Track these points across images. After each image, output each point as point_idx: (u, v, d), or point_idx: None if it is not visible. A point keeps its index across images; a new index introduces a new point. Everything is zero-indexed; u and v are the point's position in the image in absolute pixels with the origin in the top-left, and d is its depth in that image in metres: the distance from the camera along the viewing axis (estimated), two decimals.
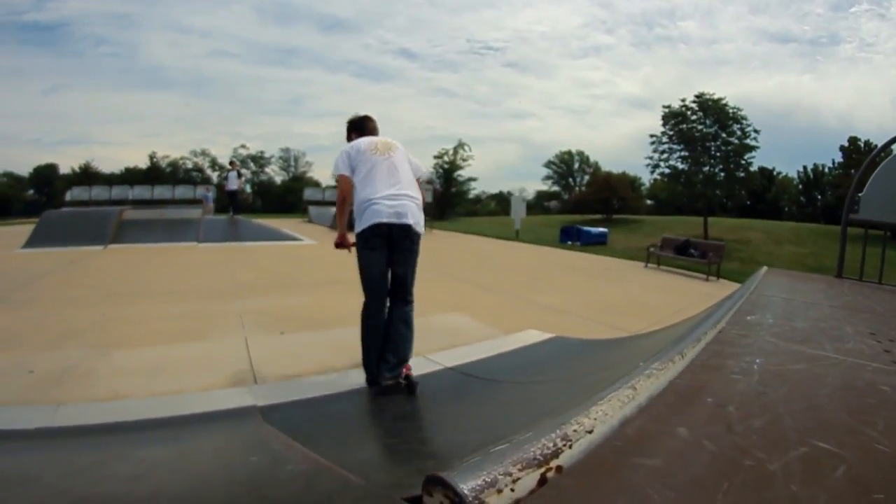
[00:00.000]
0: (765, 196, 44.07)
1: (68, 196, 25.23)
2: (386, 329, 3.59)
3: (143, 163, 47.21)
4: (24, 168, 49.15)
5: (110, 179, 38.31)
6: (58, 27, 69.47)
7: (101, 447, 2.28)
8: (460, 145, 40.85)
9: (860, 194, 5.13)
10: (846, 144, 40.27)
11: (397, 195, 3.42)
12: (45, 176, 46.80)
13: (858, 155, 36.37)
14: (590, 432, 0.98)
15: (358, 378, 3.70)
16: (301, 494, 0.99)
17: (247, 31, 79.48)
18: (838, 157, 41.48)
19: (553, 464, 0.89)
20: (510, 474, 0.84)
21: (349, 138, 3.90)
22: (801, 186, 47.11)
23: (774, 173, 46.56)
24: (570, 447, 0.93)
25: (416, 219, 3.49)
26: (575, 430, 0.96)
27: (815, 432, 1.14)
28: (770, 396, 1.39)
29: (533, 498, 0.83)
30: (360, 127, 3.94)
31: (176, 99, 72.51)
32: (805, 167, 46.87)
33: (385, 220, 3.35)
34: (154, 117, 73.15)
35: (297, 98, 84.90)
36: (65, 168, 47.02)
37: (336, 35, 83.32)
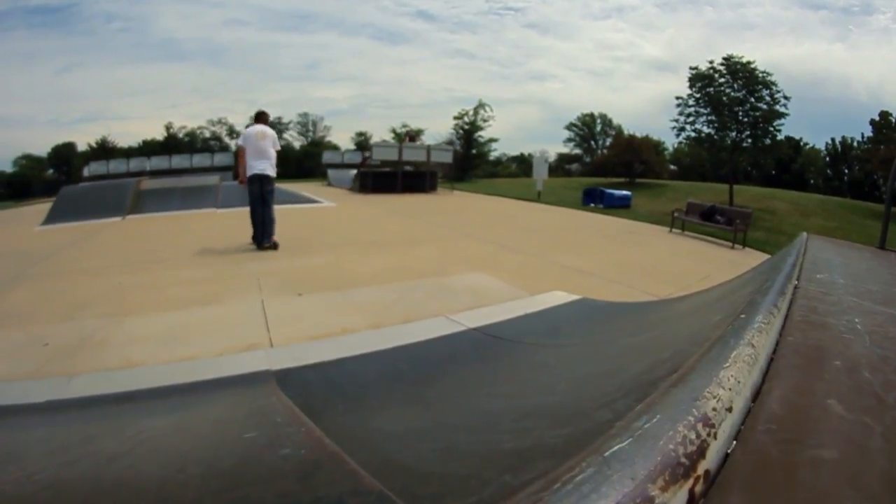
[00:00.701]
0: (790, 166, 42.57)
1: (86, 171, 25.53)
2: (262, 221, 7.31)
3: (160, 135, 47.09)
4: (42, 149, 49.24)
5: (128, 153, 38.33)
6: (67, 8, 69.21)
7: (100, 420, 2.11)
8: (480, 105, 39.95)
9: None
10: (877, 118, 38.12)
11: (261, 162, 7.31)
12: (64, 155, 47.05)
13: (889, 130, 34.98)
14: (729, 410, 0.62)
15: (377, 339, 3.52)
16: (291, 497, 0.71)
17: None
18: (868, 132, 39.46)
19: (700, 468, 0.52)
20: (651, 500, 0.46)
21: (254, 123, 7.71)
22: (828, 159, 45.48)
23: (801, 144, 44.76)
24: (715, 436, 0.57)
25: (269, 171, 7.40)
26: (714, 410, 0.59)
27: None
28: (895, 361, 1.09)
29: None
30: (257, 118, 7.70)
31: (191, 70, 72.39)
32: (833, 139, 45.09)
33: (256, 172, 7.30)
34: (170, 89, 73.33)
35: (314, 63, 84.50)
36: (82, 145, 47.18)
37: None
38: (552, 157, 50.24)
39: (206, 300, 4.81)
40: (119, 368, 3.29)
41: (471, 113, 39.99)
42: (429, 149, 19.93)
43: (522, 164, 48.75)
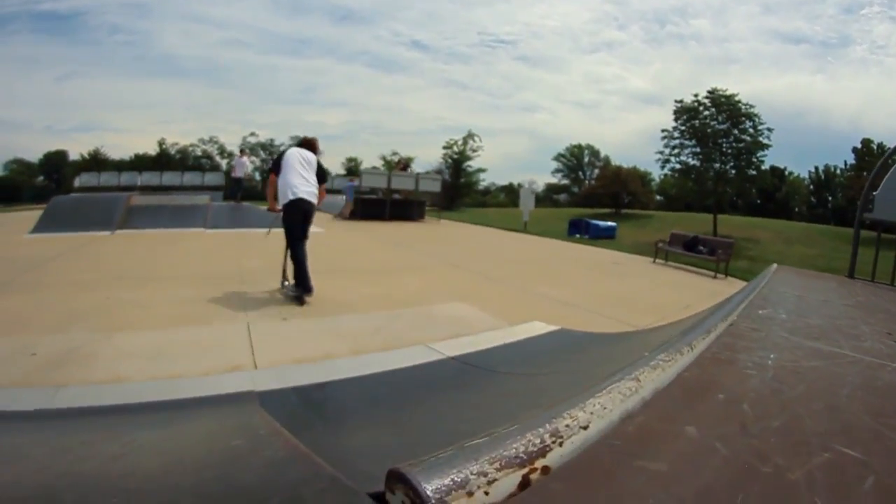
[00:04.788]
0: (775, 195, 43.61)
1: (77, 182, 25.53)
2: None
3: (152, 149, 47.26)
4: (34, 155, 49.01)
5: (119, 166, 38.35)
6: (73, 16, 69.95)
7: (93, 429, 2.25)
8: (470, 135, 40.53)
9: (875, 193, 5.05)
10: (859, 146, 39.84)
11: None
12: (55, 162, 46.93)
13: (871, 157, 36.05)
14: (585, 428, 0.86)
15: (357, 365, 3.68)
16: (269, 481, 0.93)
17: (261, 22, 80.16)
18: (850, 159, 41.17)
19: (538, 463, 0.76)
20: (485, 474, 0.71)
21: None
22: (811, 187, 46.71)
23: (786, 173, 45.91)
24: (561, 444, 0.81)
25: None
26: (567, 426, 0.84)
27: (838, 436, 1.05)
28: (787, 394, 1.29)
29: (511, 503, 0.71)
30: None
31: (189, 87, 72.82)
32: (816, 168, 46.60)
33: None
34: (166, 105, 73.82)
35: (310, 87, 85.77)
36: (75, 154, 47.12)
37: (349, 27, 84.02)
38: (540, 187, 50.94)
39: (193, 320, 4.92)
40: (107, 382, 3.38)
41: (460, 142, 40.57)
42: (417, 177, 20.27)
43: (511, 194, 49.23)
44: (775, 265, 4.69)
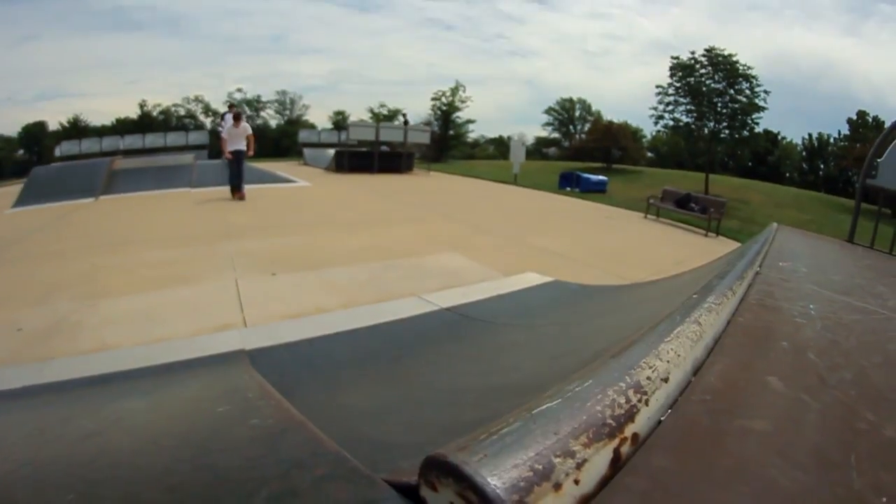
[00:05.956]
0: (767, 159, 43.12)
1: (58, 151, 24.82)
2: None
3: (133, 113, 45.51)
4: (12, 129, 46.62)
5: (101, 132, 36.96)
6: None
7: (75, 402, 2.11)
8: (458, 86, 39.82)
9: (879, 160, 4.92)
10: (854, 117, 39.48)
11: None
12: (35, 135, 44.93)
13: (865, 129, 35.93)
14: (665, 381, 0.66)
15: (349, 319, 3.54)
16: (255, 462, 0.75)
17: None
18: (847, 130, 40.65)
19: (628, 431, 0.55)
20: (572, 454, 0.49)
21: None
22: (804, 154, 46.12)
23: (779, 137, 45.29)
24: (647, 403, 0.60)
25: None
26: (649, 378, 0.63)
27: None
28: (844, 345, 1.16)
29: (607, 494, 0.50)
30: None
31: (147, 41, 66.92)
32: (810, 135, 45.67)
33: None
34: (131, 64, 67.99)
35: (279, 34, 78.38)
36: (54, 124, 45.05)
37: None
38: (530, 140, 50.09)
39: (180, 281, 4.76)
40: (94, 351, 3.27)
41: (448, 93, 39.89)
42: (406, 129, 19.77)
43: (500, 147, 48.42)
44: (775, 224, 4.59)
